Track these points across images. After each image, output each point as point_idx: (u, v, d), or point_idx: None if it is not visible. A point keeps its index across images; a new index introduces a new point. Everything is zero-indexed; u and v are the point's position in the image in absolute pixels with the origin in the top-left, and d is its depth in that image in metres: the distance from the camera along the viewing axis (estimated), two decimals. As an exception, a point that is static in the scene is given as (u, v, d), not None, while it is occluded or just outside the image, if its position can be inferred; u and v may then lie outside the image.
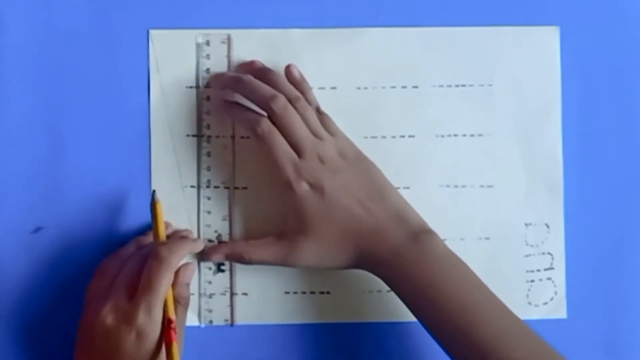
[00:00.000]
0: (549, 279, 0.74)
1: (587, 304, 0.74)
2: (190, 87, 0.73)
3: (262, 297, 0.73)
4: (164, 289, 0.65)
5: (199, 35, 0.73)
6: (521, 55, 0.74)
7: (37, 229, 0.72)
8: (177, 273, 0.68)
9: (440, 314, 0.66)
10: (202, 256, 0.72)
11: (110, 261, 0.69)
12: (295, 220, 0.70)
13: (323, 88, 0.73)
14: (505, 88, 0.74)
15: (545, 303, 0.74)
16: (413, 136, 0.74)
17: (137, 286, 0.65)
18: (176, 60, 0.73)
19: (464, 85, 0.74)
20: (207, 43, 0.73)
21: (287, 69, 0.72)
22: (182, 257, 0.68)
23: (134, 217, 0.72)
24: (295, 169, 0.69)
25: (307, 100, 0.72)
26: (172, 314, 0.66)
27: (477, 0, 0.74)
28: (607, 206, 0.75)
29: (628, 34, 0.75)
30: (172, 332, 0.65)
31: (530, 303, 0.74)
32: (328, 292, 0.73)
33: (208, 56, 0.73)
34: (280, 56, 0.73)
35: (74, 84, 0.72)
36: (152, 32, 0.73)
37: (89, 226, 0.72)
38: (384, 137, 0.73)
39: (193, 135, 0.73)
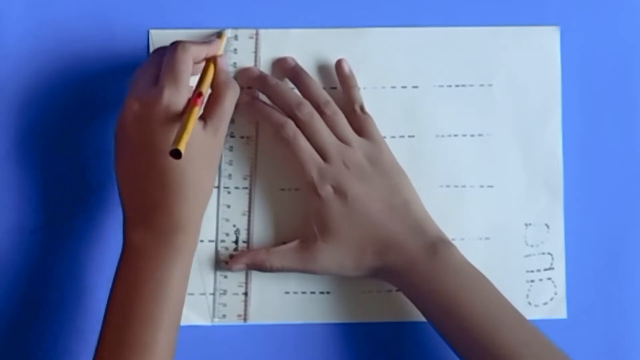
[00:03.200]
0: (549, 279, 0.74)
1: (587, 304, 0.74)
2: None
3: (262, 297, 0.73)
4: (185, 67, 0.65)
5: (227, 30, 0.73)
6: (521, 55, 0.74)
7: (37, 229, 0.72)
8: (214, 62, 0.69)
9: (458, 325, 0.66)
10: (222, 266, 0.72)
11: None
12: (316, 224, 0.70)
13: (323, 88, 0.73)
14: (505, 88, 0.74)
15: (545, 303, 0.74)
16: (413, 136, 0.74)
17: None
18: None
19: (464, 85, 0.74)
20: (235, 37, 0.73)
21: (338, 63, 0.72)
22: (201, 51, 0.68)
23: (134, 217, 0.72)
24: (320, 173, 0.69)
25: (351, 97, 0.72)
26: (204, 87, 0.66)
27: (477, 0, 0.74)
28: (607, 206, 0.75)
29: (628, 34, 0.75)
30: (198, 100, 0.64)
31: (530, 303, 0.74)
32: (328, 292, 0.73)
33: (235, 50, 0.73)
34: (281, 56, 0.73)
35: (73, 84, 0.72)
36: (152, 32, 0.73)
37: (88, 226, 0.72)
38: (384, 137, 0.73)
39: None
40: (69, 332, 0.71)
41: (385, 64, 0.74)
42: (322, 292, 0.73)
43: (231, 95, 0.67)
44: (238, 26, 0.73)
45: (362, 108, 0.72)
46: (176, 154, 0.61)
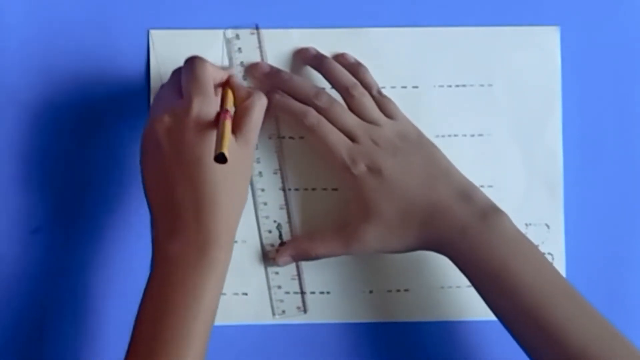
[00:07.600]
0: (549, 279, 0.74)
1: (587, 304, 0.74)
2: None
3: (262, 298, 0.73)
4: (208, 78, 0.65)
5: (227, 31, 0.73)
6: (521, 55, 0.74)
7: (37, 229, 0.72)
8: (229, 82, 0.68)
9: (508, 295, 0.65)
10: (269, 262, 0.72)
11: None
12: (356, 205, 0.69)
13: (323, 88, 0.73)
14: (505, 88, 0.74)
15: (546, 303, 0.74)
16: (413, 136, 0.74)
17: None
18: (176, 60, 0.73)
19: (464, 85, 0.74)
20: (237, 37, 0.73)
21: (341, 56, 0.72)
22: (217, 70, 0.67)
23: (134, 217, 0.72)
24: (350, 153, 0.69)
25: (366, 82, 0.71)
26: (229, 105, 0.65)
27: (477, 0, 0.74)
28: (607, 206, 0.75)
29: (628, 34, 0.75)
30: (227, 114, 0.64)
31: (530, 303, 0.74)
32: (328, 292, 0.73)
33: (240, 49, 0.73)
34: (280, 56, 0.73)
35: (73, 84, 0.72)
36: (152, 32, 0.73)
37: (89, 226, 0.72)
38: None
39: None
40: (71, 333, 0.71)
41: (385, 64, 0.74)
42: (322, 292, 0.73)
43: (258, 106, 0.67)
44: (237, 26, 0.73)
45: (379, 92, 0.72)
46: (222, 158, 0.60)
